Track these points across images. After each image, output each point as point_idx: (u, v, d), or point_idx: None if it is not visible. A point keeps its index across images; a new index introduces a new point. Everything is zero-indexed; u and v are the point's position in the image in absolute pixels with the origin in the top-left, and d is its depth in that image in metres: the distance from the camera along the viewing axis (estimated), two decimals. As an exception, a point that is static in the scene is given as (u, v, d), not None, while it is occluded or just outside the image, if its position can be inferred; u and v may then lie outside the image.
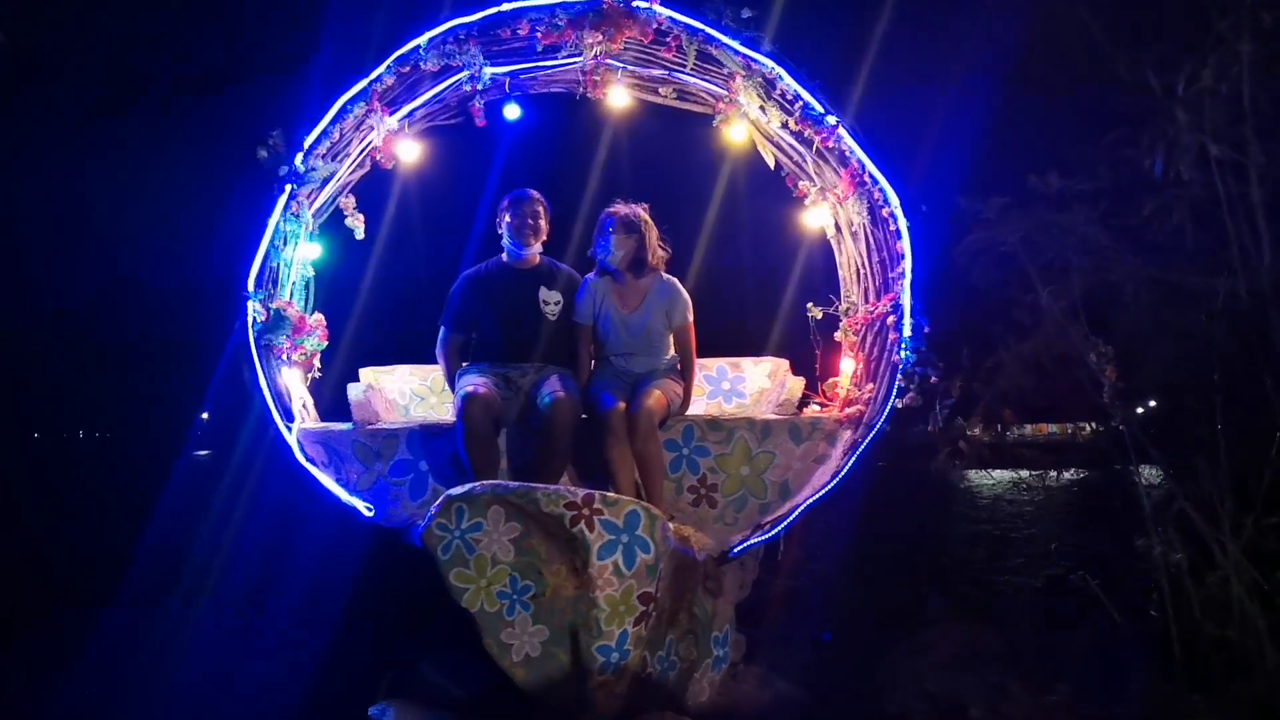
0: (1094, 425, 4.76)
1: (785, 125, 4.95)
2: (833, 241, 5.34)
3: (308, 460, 4.59)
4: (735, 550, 4.49)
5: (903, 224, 4.72)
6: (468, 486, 3.99)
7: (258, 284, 4.66)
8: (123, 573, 6.35)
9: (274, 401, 4.59)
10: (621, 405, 4.58)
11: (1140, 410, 4.75)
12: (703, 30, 4.80)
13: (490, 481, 4.07)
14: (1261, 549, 3.71)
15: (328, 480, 4.56)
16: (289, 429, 4.59)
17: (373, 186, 5.35)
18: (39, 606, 6.02)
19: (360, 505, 4.53)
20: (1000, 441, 4.97)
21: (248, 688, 4.67)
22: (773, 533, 4.57)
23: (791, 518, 4.58)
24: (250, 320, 4.58)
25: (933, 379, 4.45)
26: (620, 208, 4.94)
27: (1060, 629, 4.94)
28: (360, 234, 5.22)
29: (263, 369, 4.61)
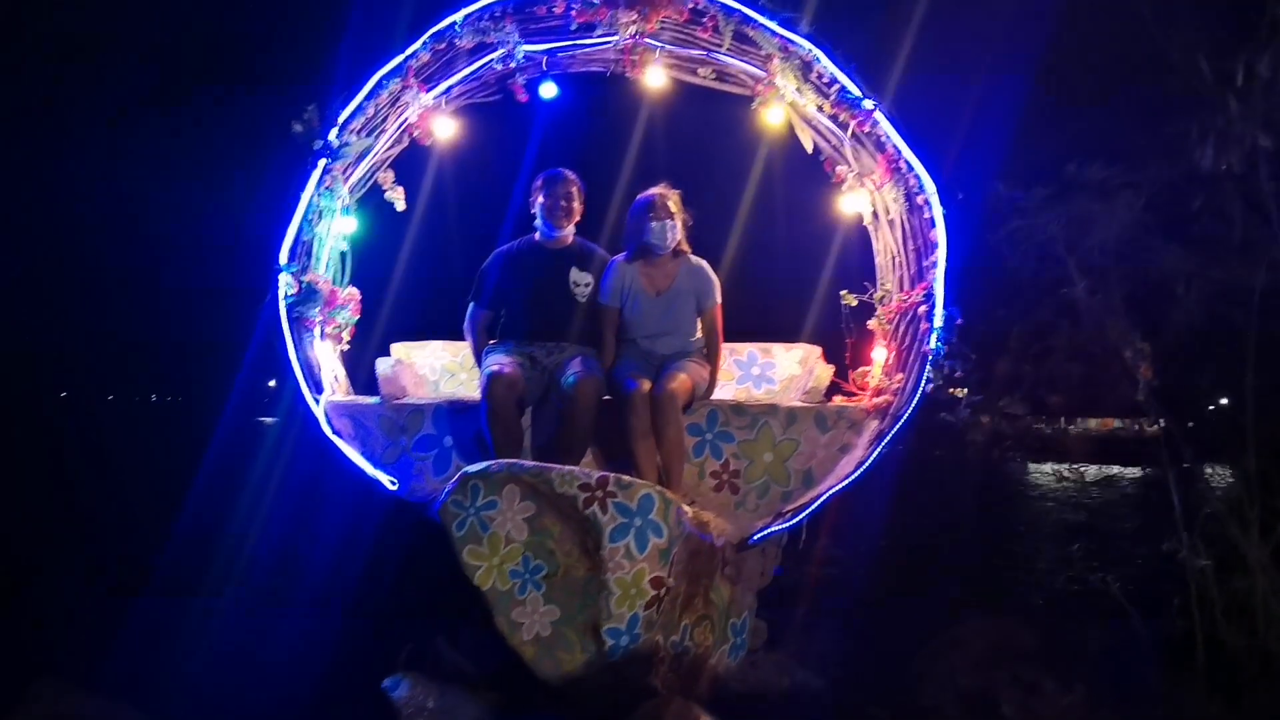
0: (1134, 422, 4.65)
1: (821, 109, 4.88)
2: (869, 228, 5.25)
3: (334, 432, 4.65)
4: (755, 537, 4.46)
5: (938, 212, 4.64)
6: (484, 464, 4.01)
7: (291, 257, 4.71)
8: (163, 541, 6.50)
9: (303, 373, 4.64)
10: (645, 387, 4.56)
11: (1210, 408, 4.64)
12: (739, 10, 4.74)
13: (506, 460, 4.09)
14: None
15: (353, 453, 4.61)
16: (316, 401, 4.65)
17: (410, 162, 5.37)
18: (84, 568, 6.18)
19: (384, 479, 4.58)
20: (1040, 433, 4.89)
21: (269, 657, 4.75)
22: (794, 521, 4.53)
23: (814, 506, 4.53)
24: (282, 293, 4.63)
25: (958, 373, 4.37)
26: (662, 189, 4.90)
27: (1089, 629, 4.85)
28: (401, 205, 5.24)
29: (294, 341, 4.66)
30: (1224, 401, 4.57)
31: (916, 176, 4.69)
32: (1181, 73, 3.81)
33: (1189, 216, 4.16)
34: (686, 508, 4.09)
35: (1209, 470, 4.21)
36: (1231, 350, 4.07)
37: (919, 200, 4.72)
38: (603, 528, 3.85)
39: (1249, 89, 3.75)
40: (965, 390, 4.71)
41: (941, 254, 4.63)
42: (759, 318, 5.92)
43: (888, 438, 4.55)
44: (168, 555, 6.15)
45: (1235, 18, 3.78)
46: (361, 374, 5.23)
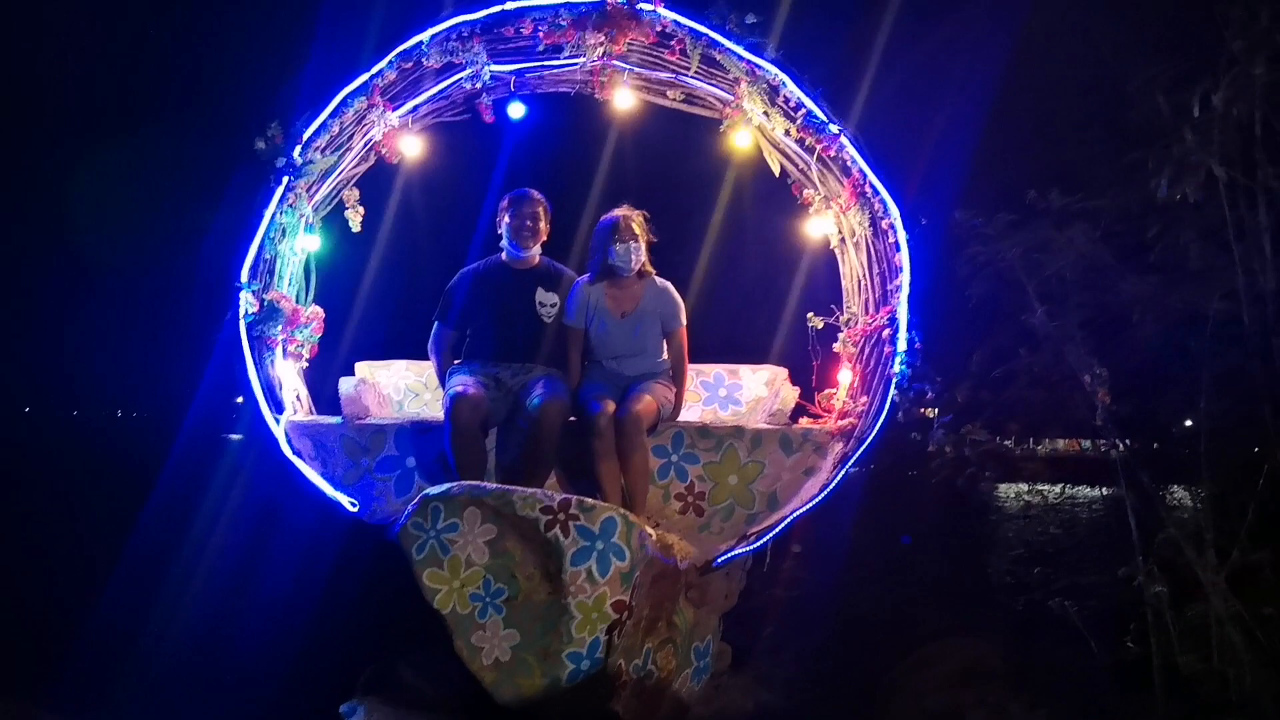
0: (1099, 443, 4.69)
1: (788, 133, 4.91)
2: (836, 251, 5.28)
3: (294, 453, 4.60)
4: (719, 560, 4.45)
5: (902, 236, 4.67)
6: (445, 487, 3.98)
7: (253, 275, 4.67)
8: (112, 559, 6.40)
9: (264, 393, 4.60)
10: (610, 408, 4.54)
11: (1174, 429, 4.67)
12: (706, 34, 4.76)
13: (468, 482, 4.07)
14: (1247, 581, 3.62)
15: (312, 474, 4.56)
16: (277, 420, 4.60)
17: (378, 180, 5.36)
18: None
19: (344, 500, 4.54)
20: (1006, 455, 4.91)
21: (224, 680, 4.68)
22: (758, 544, 4.53)
23: (778, 529, 4.53)
24: (242, 311, 4.59)
25: (928, 395, 4.40)
26: (626, 211, 4.90)
27: (1054, 651, 4.88)
28: (356, 226, 5.22)
29: (254, 360, 4.62)
30: (1188, 424, 4.62)
31: (882, 201, 4.72)
32: (1139, 104, 3.86)
33: (1146, 245, 4.21)
34: (650, 531, 4.08)
35: (1169, 493, 4.24)
36: (1188, 376, 4.11)
37: (884, 225, 4.76)
38: (564, 551, 3.83)
39: (1205, 121, 3.80)
40: (935, 411, 4.73)
41: (905, 278, 4.66)
42: (726, 339, 5.96)
43: (851, 460, 4.56)
44: (117, 576, 6.04)
45: (1192, 51, 3.83)
46: (325, 393, 5.20)
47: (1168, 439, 4.55)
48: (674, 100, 5.23)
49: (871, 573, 7.01)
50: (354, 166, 5.15)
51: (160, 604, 5.80)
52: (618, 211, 4.91)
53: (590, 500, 4.01)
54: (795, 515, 4.53)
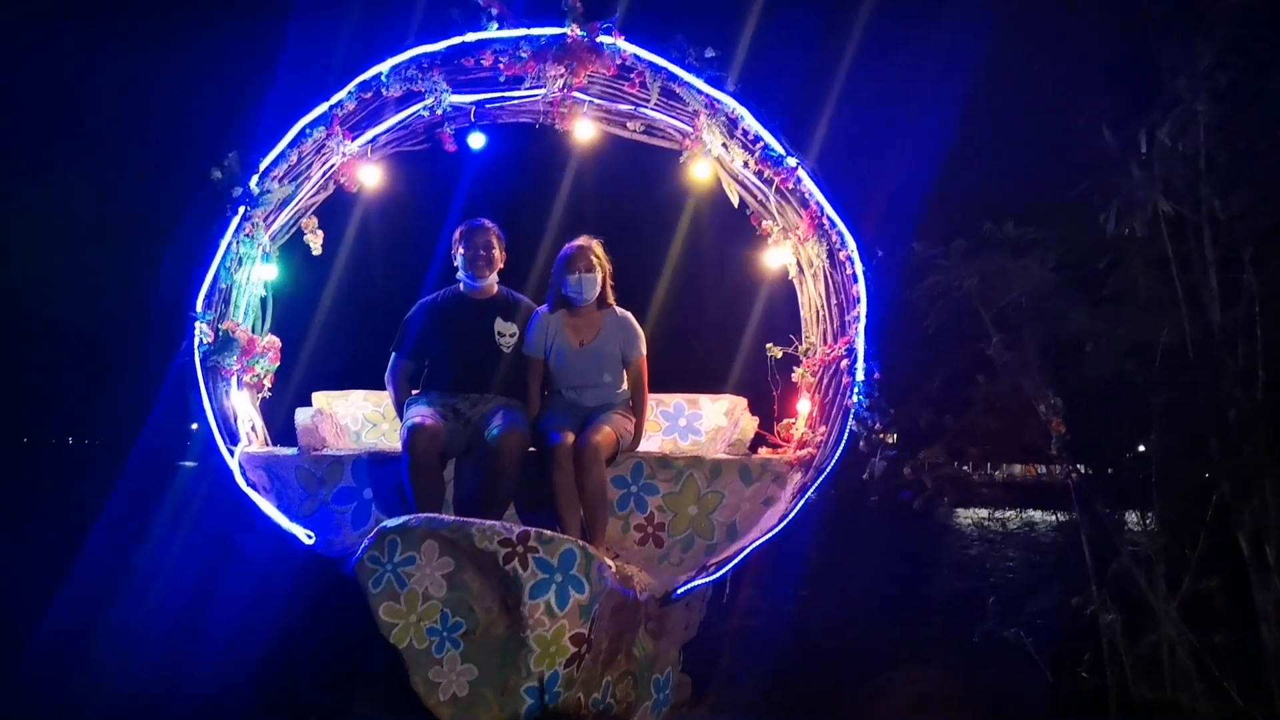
0: (1052, 470, 4.75)
1: (747, 164, 4.95)
2: (795, 281, 5.32)
3: (249, 485, 4.54)
4: (679, 591, 4.44)
5: (859, 268, 4.71)
6: (403, 519, 3.95)
7: (208, 305, 4.62)
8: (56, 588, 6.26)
9: (218, 423, 4.54)
10: (569, 439, 4.53)
11: (1128, 455, 4.74)
12: (666, 68, 4.79)
13: (425, 515, 4.03)
14: (1198, 609, 3.68)
15: (268, 506, 4.50)
16: (231, 452, 4.54)
17: (335, 210, 5.33)
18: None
19: (300, 533, 4.48)
20: (964, 481, 4.95)
21: (175, 717, 4.59)
22: (718, 574, 4.52)
23: (737, 560, 4.53)
24: (196, 341, 4.53)
25: (877, 426, 4.43)
26: (584, 242, 4.92)
27: (1011, 679, 4.91)
28: (317, 250, 5.18)
29: (208, 390, 4.56)
30: (1140, 449, 4.69)
31: (839, 233, 4.76)
32: (1088, 141, 3.95)
33: (1098, 276, 4.29)
34: (609, 562, 4.06)
35: (1122, 519, 4.30)
36: (1140, 404, 4.18)
37: (841, 256, 4.79)
38: (523, 584, 3.80)
39: (1150, 156, 3.89)
40: (894, 437, 4.77)
41: (863, 309, 4.70)
42: (685, 369, 5.96)
43: (810, 491, 4.57)
44: (61, 610, 5.90)
45: (1138, 90, 3.92)
46: (281, 423, 5.13)
47: (1120, 465, 4.63)
48: (634, 131, 5.25)
49: (830, 600, 7.04)
50: (312, 195, 5.11)
51: (108, 637, 5.69)
52: (576, 242, 4.93)
53: (549, 532, 3.99)
54: (754, 546, 4.52)
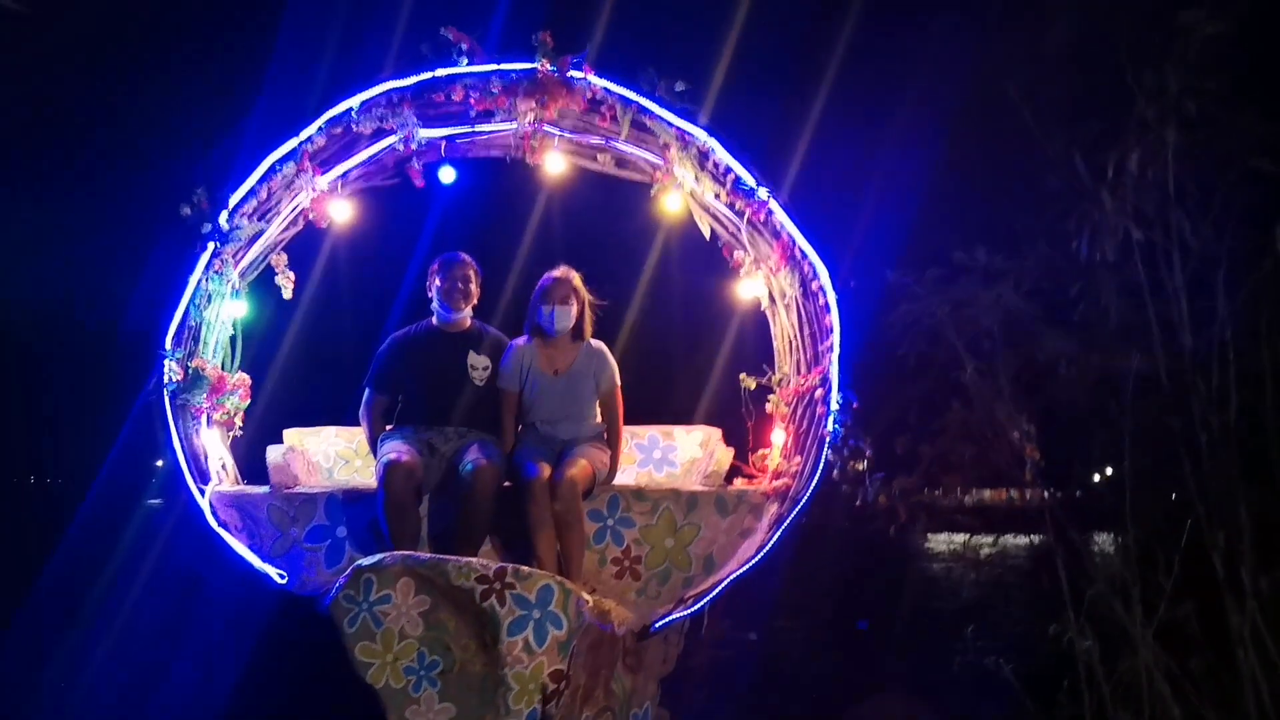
0: (1026, 494, 4.77)
1: (719, 196, 4.97)
2: (767, 312, 5.34)
3: (220, 524, 4.47)
4: (657, 625, 4.41)
5: (831, 298, 4.73)
6: (378, 557, 3.90)
7: (177, 342, 4.57)
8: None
9: (188, 462, 4.48)
10: (545, 473, 4.50)
11: (1096, 478, 4.76)
12: (636, 101, 4.82)
13: (401, 552, 3.99)
14: (1174, 634, 3.69)
15: (239, 545, 4.44)
16: (202, 491, 4.48)
17: (304, 245, 5.30)
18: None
19: (272, 572, 4.41)
20: (937, 507, 4.96)
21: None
22: (696, 607, 4.50)
23: (715, 592, 4.51)
24: (166, 378, 4.48)
25: (861, 456, 4.44)
26: (562, 273, 4.91)
27: (986, 706, 4.91)
28: (288, 293, 5.15)
29: (177, 428, 4.50)
30: (1109, 471, 4.72)
31: (810, 263, 4.79)
32: (1060, 169, 3.99)
33: (1068, 303, 4.32)
34: (587, 597, 4.03)
35: (1096, 544, 4.32)
36: (1112, 430, 4.21)
37: (814, 286, 4.82)
38: (501, 621, 3.76)
39: (1121, 183, 3.94)
40: (864, 464, 4.77)
41: (836, 338, 4.72)
42: (658, 401, 5.96)
43: (787, 521, 4.56)
44: (23, 659, 5.77)
45: (1109, 119, 3.98)
46: (251, 461, 5.07)
47: (1093, 490, 4.66)
48: (604, 164, 5.27)
49: (805, 630, 7.03)
50: (282, 231, 5.08)
51: (80, 678, 5.57)
52: (555, 272, 4.92)
53: (526, 568, 3.96)
54: (732, 578, 4.51)
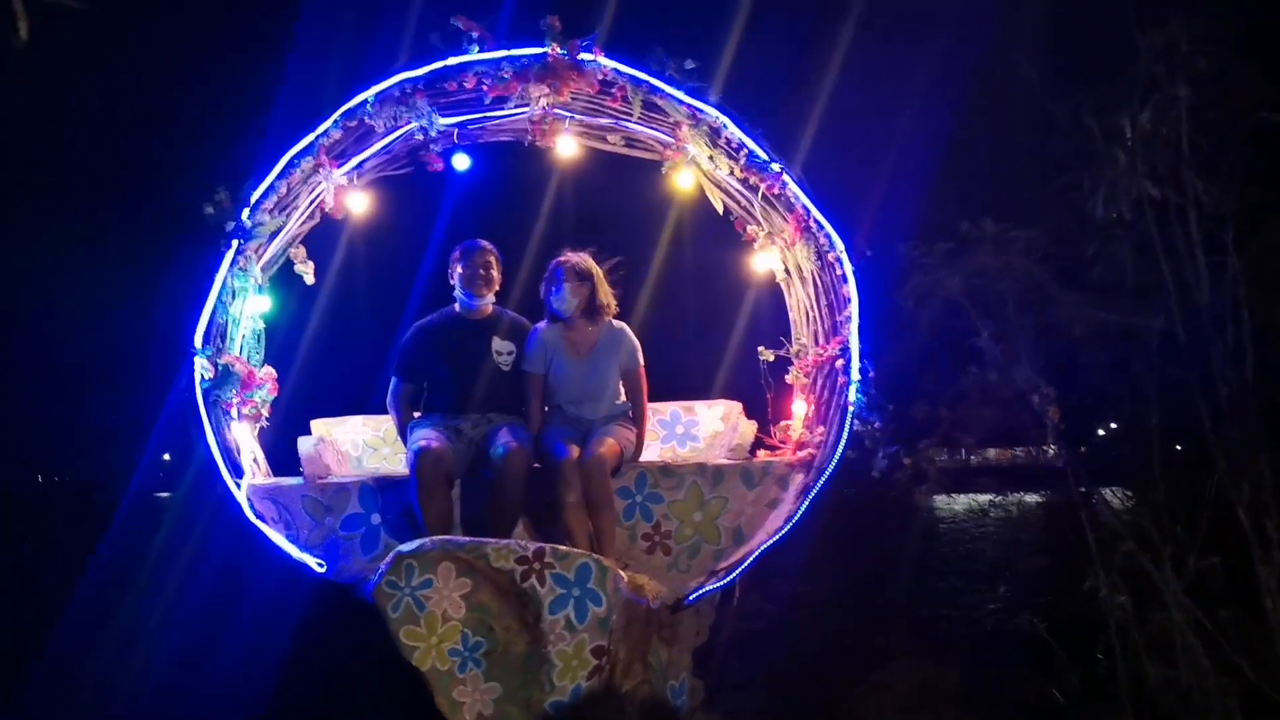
0: (1046, 450, 4.82)
1: (732, 172, 5.01)
2: (782, 285, 5.39)
3: (257, 516, 4.54)
4: (690, 598, 4.49)
5: (848, 268, 4.78)
6: (418, 543, 3.97)
7: (205, 339, 4.63)
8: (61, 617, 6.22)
9: (222, 457, 4.54)
10: (574, 453, 4.57)
11: (1101, 432, 4.81)
12: (647, 81, 4.85)
13: (440, 537, 4.06)
14: (1205, 588, 3.76)
15: (277, 537, 4.51)
16: (238, 485, 4.54)
17: (320, 237, 5.34)
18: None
19: (311, 561, 4.49)
20: (960, 467, 5.02)
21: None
22: (727, 579, 4.57)
23: (746, 563, 4.58)
24: (198, 376, 4.54)
25: (876, 425, 4.50)
26: (571, 256, 4.96)
27: (1009, 667, 4.99)
28: (310, 279, 5.20)
29: (211, 424, 4.56)
30: (1127, 428, 4.78)
31: (826, 235, 4.83)
32: (1072, 131, 4.03)
33: (1085, 264, 4.36)
34: (622, 573, 4.10)
35: (1119, 499, 4.37)
36: (1131, 388, 4.26)
37: (830, 258, 4.87)
38: (542, 600, 3.84)
39: (1134, 142, 3.97)
40: (886, 430, 4.82)
41: (854, 308, 4.77)
42: (677, 377, 6.01)
43: (814, 491, 4.63)
44: (65, 650, 5.86)
45: (1120, 79, 4.00)
46: (277, 452, 5.13)
47: (1112, 448, 4.72)
48: (615, 145, 5.30)
49: (833, 596, 7.10)
50: (300, 225, 5.13)
51: (123, 670, 5.66)
52: (560, 257, 4.97)
53: (564, 547, 4.03)
54: (763, 548, 4.58)
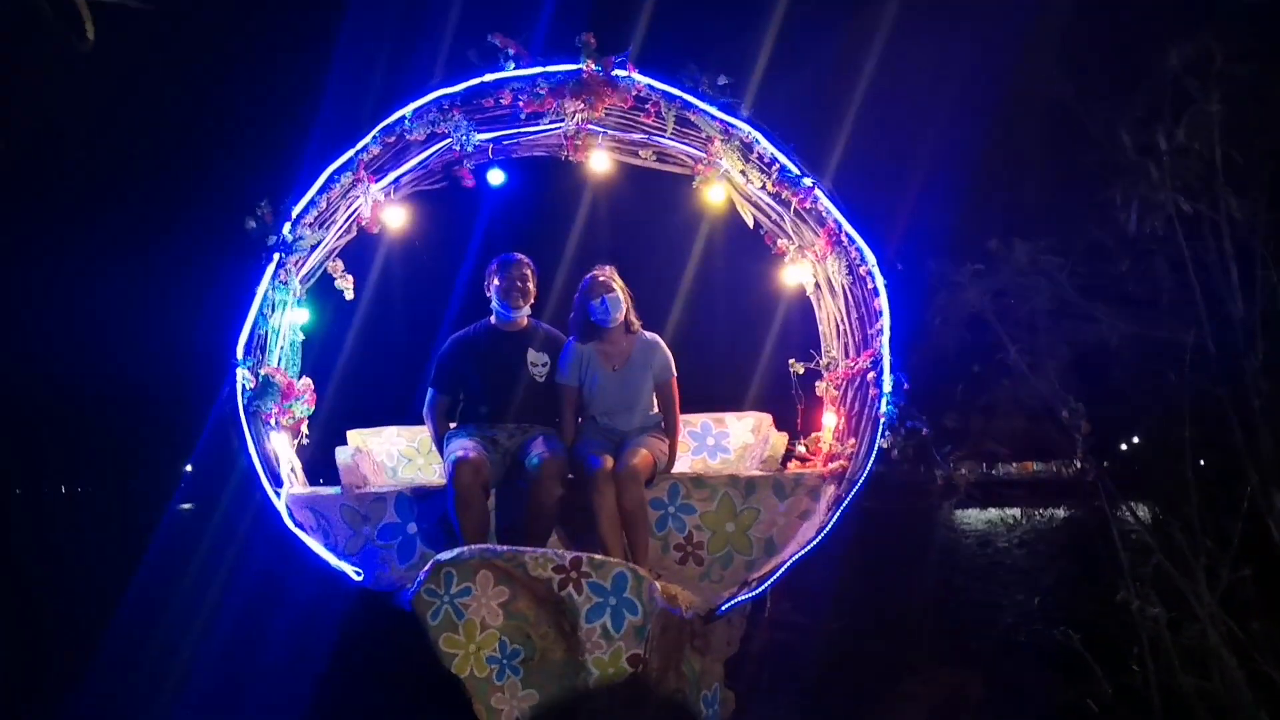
0: (1074, 465, 4.83)
1: (764, 187, 5.06)
2: (812, 298, 5.43)
3: (296, 525, 4.62)
4: (723, 608, 4.52)
5: (880, 282, 4.82)
6: (456, 551, 4.03)
7: (246, 351, 4.71)
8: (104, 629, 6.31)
9: (262, 467, 4.62)
10: (608, 464, 4.63)
11: (1124, 446, 4.82)
12: (680, 97, 4.92)
13: (479, 546, 4.12)
14: (1236, 600, 3.77)
15: (316, 545, 4.58)
16: (277, 494, 4.62)
17: (357, 250, 5.43)
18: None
19: (349, 570, 4.56)
20: (987, 480, 5.04)
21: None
22: (759, 589, 4.61)
23: (778, 574, 4.61)
24: (239, 387, 4.62)
25: (924, 431, 4.53)
26: (600, 270, 5.03)
27: (1032, 678, 5.00)
28: (350, 295, 5.29)
29: (251, 435, 4.65)
30: (1135, 440, 4.79)
31: (858, 249, 4.88)
32: (1103, 145, 4.06)
33: (1116, 280, 4.38)
34: (656, 583, 4.15)
35: (1147, 513, 4.39)
36: (1163, 401, 4.28)
37: (861, 271, 4.91)
38: (579, 608, 3.89)
39: (1167, 157, 4.00)
40: (919, 443, 4.84)
41: (886, 321, 4.81)
42: (706, 389, 6.05)
43: (846, 501, 4.66)
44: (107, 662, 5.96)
45: (1153, 94, 4.03)
46: (310, 463, 5.21)
47: (1141, 461, 4.73)
48: (646, 159, 5.37)
49: (863, 607, 7.13)
50: (337, 239, 5.22)
51: (165, 673, 5.75)
52: (592, 272, 5.04)
53: (599, 556, 4.08)
54: (794, 559, 4.61)
